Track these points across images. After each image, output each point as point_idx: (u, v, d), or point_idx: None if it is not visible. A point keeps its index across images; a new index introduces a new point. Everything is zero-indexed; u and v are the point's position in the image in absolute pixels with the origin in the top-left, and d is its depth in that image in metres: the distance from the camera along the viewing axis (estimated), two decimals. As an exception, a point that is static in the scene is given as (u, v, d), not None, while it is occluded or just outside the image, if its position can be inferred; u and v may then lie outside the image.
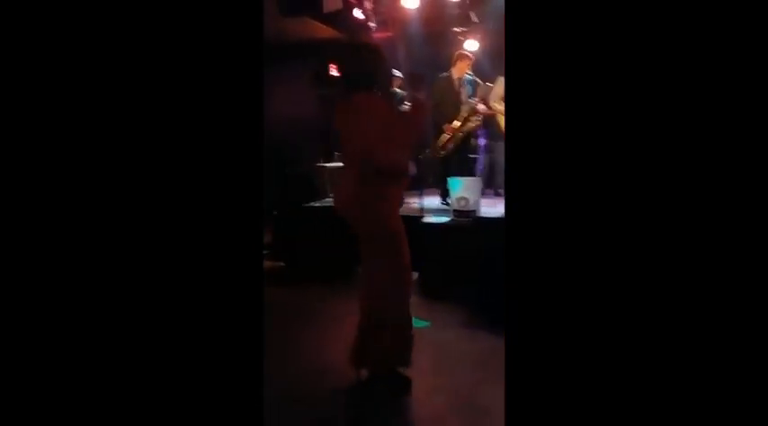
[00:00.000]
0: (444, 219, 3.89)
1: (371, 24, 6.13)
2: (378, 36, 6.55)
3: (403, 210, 4.49)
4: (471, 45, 6.07)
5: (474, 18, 6.35)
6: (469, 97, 4.57)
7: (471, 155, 5.10)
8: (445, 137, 4.65)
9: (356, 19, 5.95)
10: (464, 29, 6.57)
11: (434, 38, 6.49)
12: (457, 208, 3.92)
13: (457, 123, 4.56)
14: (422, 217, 4.00)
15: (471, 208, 3.87)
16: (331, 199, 5.08)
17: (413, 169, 2.24)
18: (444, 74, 4.74)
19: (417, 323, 2.95)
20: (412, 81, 2.26)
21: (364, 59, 2.10)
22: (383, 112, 2.02)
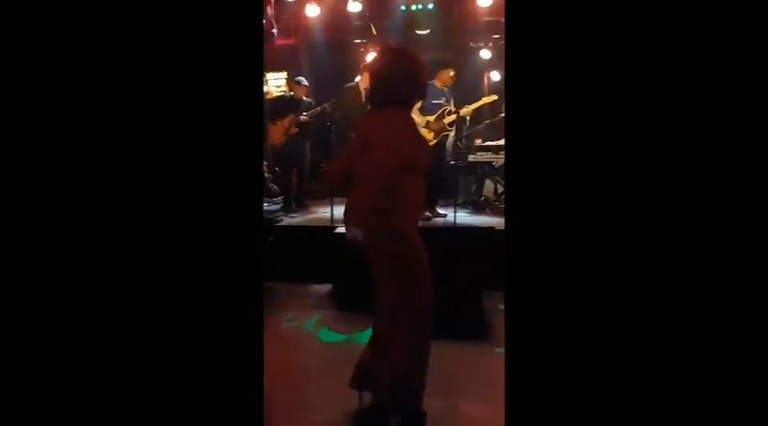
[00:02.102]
0: (356, 229, 3.89)
1: (274, 31, 5.99)
2: (280, 43, 6.42)
3: (312, 221, 4.47)
4: (372, 56, 6.20)
5: (374, 30, 6.49)
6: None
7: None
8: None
9: (258, 24, 5.76)
10: (364, 40, 6.69)
11: (337, 47, 6.51)
12: (368, 218, 3.93)
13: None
14: (333, 227, 3.96)
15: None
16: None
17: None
18: (351, 83, 4.77)
19: (334, 337, 2.92)
20: None
21: (404, 68, 1.85)
22: (414, 129, 1.88)
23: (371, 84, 1.97)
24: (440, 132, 4.26)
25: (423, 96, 2.01)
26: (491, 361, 2.45)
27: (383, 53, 1.93)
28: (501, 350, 2.42)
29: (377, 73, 1.93)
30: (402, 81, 1.86)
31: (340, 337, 2.86)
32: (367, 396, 2.05)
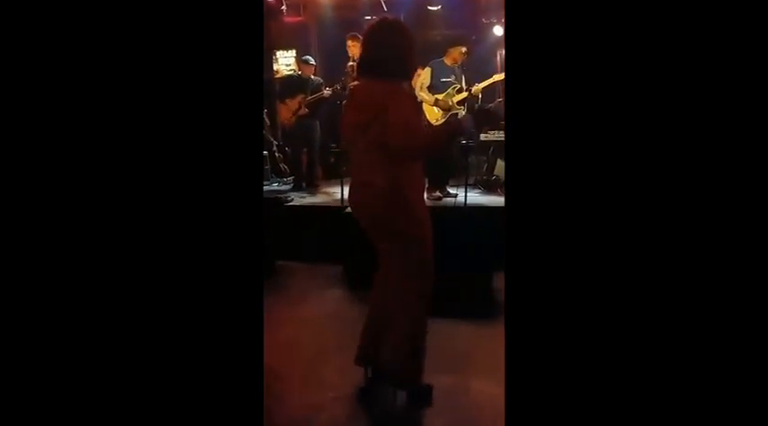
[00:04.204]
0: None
1: (283, 8, 5.91)
2: (289, 21, 6.34)
3: (326, 201, 4.48)
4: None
5: (384, 6, 6.38)
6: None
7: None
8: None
9: (267, 2, 5.70)
10: (374, 17, 6.58)
11: (346, 24, 6.41)
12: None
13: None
14: (344, 207, 3.97)
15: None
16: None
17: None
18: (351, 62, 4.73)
19: (345, 316, 2.95)
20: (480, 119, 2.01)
21: (398, 41, 1.83)
22: (414, 102, 1.87)
23: (360, 55, 1.96)
24: (448, 111, 4.21)
25: (407, 74, 1.93)
26: (500, 340, 2.47)
27: (373, 24, 1.91)
28: (511, 329, 2.43)
29: (363, 43, 1.93)
30: (387, 52, 1.82)
31: (351, 316, 2.89)
32: (371, 372, 2.11)
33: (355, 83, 2.01)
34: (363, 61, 1.91)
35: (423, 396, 1.99)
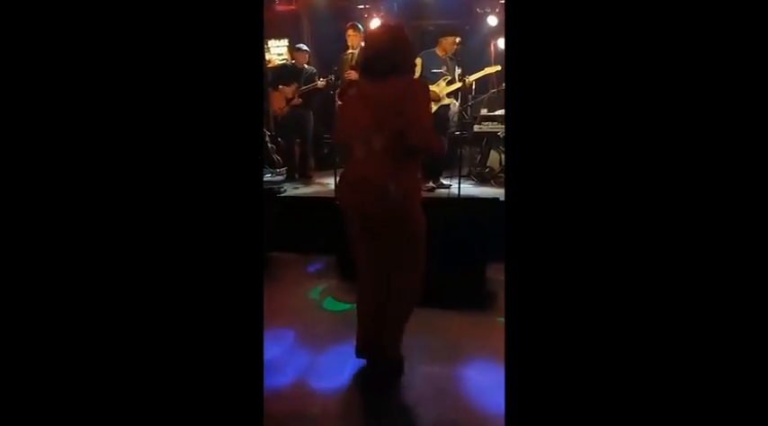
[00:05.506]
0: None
1: (275, -4, 5.85)
2: (281, 9, 6.28)
3: (319, 192, 4.48)
4: (376, 23, 6.05)
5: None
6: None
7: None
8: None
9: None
10: (367, 5, 6.52)
11: (339, 13, 6.35)
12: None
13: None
14: (337, 198, 3.97)
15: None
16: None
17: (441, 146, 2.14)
18: (347, 52, 4.69)
19: (339, 306, 2.96)
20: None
21: (399, 43, 1.96)
22: (427, 95, 1.97)
23: (363, 59, 2.06)
24: (438, 102, 4.19)
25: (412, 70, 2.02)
26: (493, 330, 2.49)
27: (381, 29, 2.05)
28: (502, 319, 2.45)
29: (364, 45, 2.08)
30: (385, 55, 1.92)
31: (344, 306, 2.90)
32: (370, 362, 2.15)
33: (362, 81, 2.08)
34: (367, 63, 1.99)
35: (399, 367, 2.15)
